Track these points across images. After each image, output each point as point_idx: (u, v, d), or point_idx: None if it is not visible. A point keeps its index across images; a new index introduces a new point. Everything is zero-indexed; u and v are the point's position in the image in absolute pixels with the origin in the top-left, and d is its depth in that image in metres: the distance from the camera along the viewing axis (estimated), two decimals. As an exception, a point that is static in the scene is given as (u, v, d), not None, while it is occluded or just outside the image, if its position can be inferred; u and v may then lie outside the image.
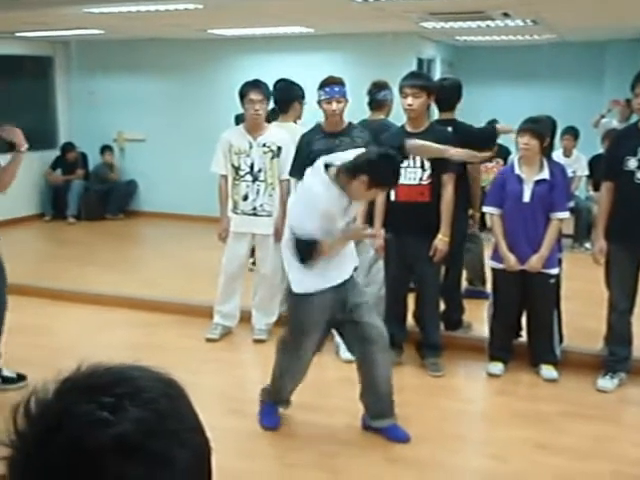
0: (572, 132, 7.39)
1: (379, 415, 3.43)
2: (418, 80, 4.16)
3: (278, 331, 4.79)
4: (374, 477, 3.13)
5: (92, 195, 9.28)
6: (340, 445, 3.38)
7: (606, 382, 4.03)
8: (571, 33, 8.30)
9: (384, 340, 3.35)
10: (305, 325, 3.33)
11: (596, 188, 6.09)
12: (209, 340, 4.74)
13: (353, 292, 3.36)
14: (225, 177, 4.72)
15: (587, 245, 6.98)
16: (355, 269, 3.46)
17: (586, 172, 7.37)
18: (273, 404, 3.58)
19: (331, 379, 4.32)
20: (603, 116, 7.92)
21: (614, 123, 7.57)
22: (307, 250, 3.12)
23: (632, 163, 3.84)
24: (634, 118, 4.25)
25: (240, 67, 8.34)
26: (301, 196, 3.29)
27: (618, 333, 4.07)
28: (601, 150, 6.84)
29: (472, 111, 5.67)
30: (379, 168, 3.07)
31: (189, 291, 5.73)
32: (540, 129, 4.11)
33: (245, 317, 4.87)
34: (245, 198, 4.66)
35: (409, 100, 4.04)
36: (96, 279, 6.18)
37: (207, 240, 5.72)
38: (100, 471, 0.65)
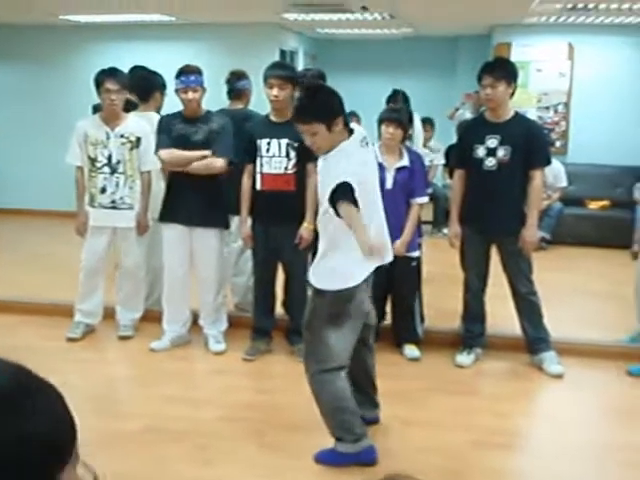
0: (429, 122, 7.75)
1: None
2: (284, 71, 4.20)
3: (143, 326, 4.69)
4: (248, 465, 3.13)
5: None
6: (212, 436, 3.36)
7: (463, 358, 4.27)
8: (425, 27, 8.68)
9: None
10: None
11: (452, 176, 6.42)
12: (70, 339, 4.53)
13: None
14: (81, 169, 4.52)
15: (445, 231, 7.33)
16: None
17: (442, 161, 7.75)
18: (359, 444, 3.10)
19: (200, 371, 4.27)
20: (458, 109, 8.36)
21: (467, 115, 8.00)
22: None
23: (480, 151, 4.07)
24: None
25: (98, 55, 8.00)
26: None
27: (473, 311, 4.32)
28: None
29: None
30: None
31: (48, 290, 5.44)
32: (403, 119, 4.28)
33: (109, 314, 4.70)
34: (103, 191, 4.49)
35: (275, 91, 4.06)
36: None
37: (65, 236, 5.45)
38: None
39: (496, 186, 4.05)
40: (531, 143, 4.02)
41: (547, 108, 8.20)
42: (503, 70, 4.05)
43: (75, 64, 8.48)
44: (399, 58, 9.79)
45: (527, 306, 4.19)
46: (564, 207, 7.51)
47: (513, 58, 6.81)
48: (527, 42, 8.12)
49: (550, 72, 8.12)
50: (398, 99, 5.64)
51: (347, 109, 3.00)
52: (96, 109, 5.40)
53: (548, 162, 4.19)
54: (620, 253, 6.89)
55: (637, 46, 7.97)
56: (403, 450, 3.24)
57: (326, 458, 3.11)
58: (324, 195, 2.88)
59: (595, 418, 3.73)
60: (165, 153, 4.21)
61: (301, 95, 3.18)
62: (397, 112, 4.37)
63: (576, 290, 5.97)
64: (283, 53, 8.47)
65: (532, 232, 4.06)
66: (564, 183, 7.49)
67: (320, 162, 3.00)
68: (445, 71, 9.61)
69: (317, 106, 2.88)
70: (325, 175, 2.91)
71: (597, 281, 6.22)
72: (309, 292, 3.21)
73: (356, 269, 2.99)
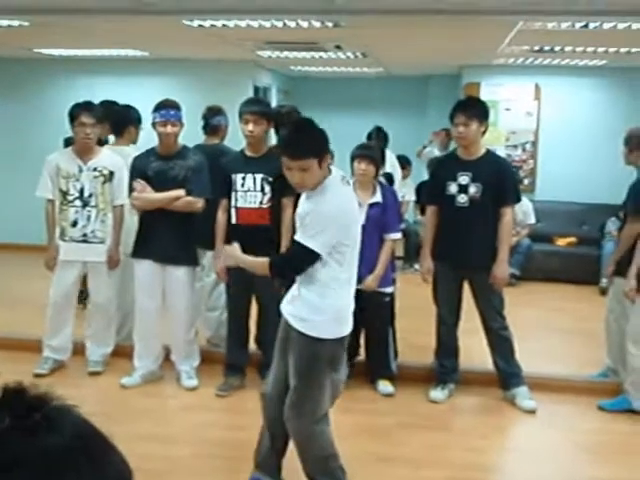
0: (406, 161, 7.89)
1: None
2: (259, 107, 4.25)
3: (114, 362, 4.60)
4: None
5: None
6: (184, 474, 3.29)
7: (437, 393, 4.27)
8: (397, 67, 8.86)
9: None
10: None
11: (423, 212, 6.49)
12: (37, 375, 4.41)
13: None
14: (52, 202, 4.48)
15: (416, 266, 7.38)
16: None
17: (414, 197, 7.85)
18: None
19: (172, 408, 4.21)
20: (425, 147, 8.50)
21: (436, 152, 8.13)
22: None
23: (453, 188, 4.14)
24: (453, 146, 4.61)
25: (71, 89, 7.96)
26: None
27: (446, 346, 4.34)
28: (427, 177, 7.32)
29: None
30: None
31: (14, 324, 5.33)
32: (376, 156, 4.34)
33: (79, 349, 4.61)
34: (74, 224, 4.46)
35: (250, 126, 4.10)
36: None
37: (34, 270, 5.36)
38: None
39: (468, 222, 4.11)
40: (502, 181, 4.10)
41: (515, 146, 8.38)
42: (475, 109, 4.14)
43: (48, 97, 8.44)
44: (372, 96, 9.95)
45: (499, 341, 4.22)
46: (532, 244, 7.63)
47: (482, 97, 6.94)
48: (496, 82, 8.34)
49: (518, 111, 8.33)
50: (374, 136, 5.77)
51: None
52: (68, 142, 5.38)
53: (518, 199, 4.28)
54: (587, 289, 7.00)
55: (601, 87, 8.23)
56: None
57: None
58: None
59: (567, 453, 3.75)
60: (136, 198, 4.22)
61: (291, 129, 3.03)
62: (369, 149, 4.43)
63: (544, 325, 6.03)
64: (257, 89, 8.55)
65: (503, 268, 4.11)
66: (532, 220, 7.63)
67: (303, 199, 2.88)
68: (416, 109, 9.77)
69: (311, 141, 2.77)
70: (307, 214, 2.78)
71: (565, 317, 6.30)
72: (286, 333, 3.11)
73: (350, 311, 2.93)
